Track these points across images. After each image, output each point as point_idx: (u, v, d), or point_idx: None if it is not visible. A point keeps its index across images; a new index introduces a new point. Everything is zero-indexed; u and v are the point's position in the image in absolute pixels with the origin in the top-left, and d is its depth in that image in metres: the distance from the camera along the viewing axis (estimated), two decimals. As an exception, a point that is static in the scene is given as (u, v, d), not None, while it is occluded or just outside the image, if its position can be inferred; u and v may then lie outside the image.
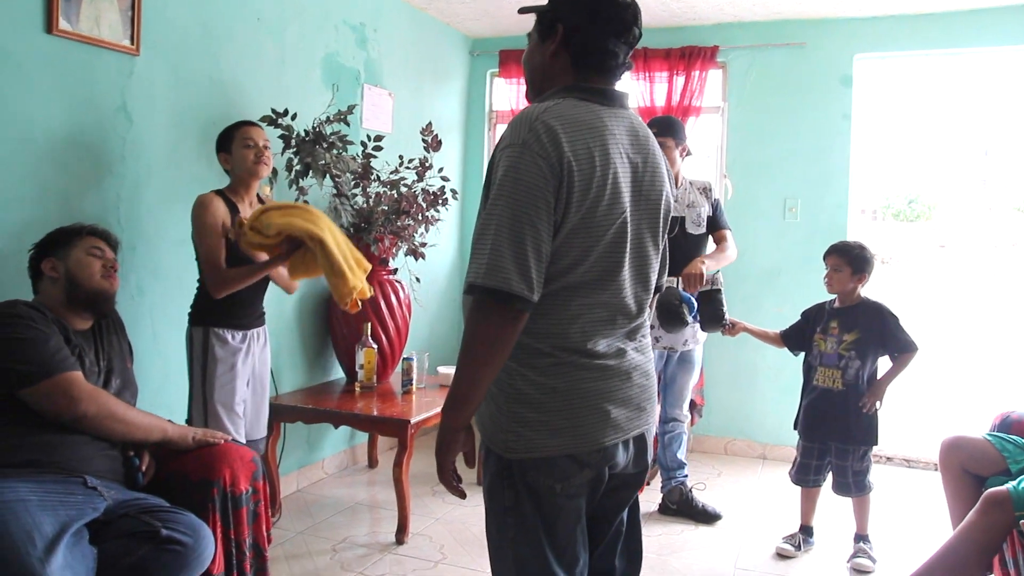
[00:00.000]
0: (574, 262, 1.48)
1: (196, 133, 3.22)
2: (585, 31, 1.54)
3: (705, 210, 3.75)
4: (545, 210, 1.41)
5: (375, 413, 3.46)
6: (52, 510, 1.80)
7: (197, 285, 2.94)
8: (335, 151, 3.50)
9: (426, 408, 3.53)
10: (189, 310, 2.94)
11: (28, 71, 2.57)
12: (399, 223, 3.95)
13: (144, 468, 2.20)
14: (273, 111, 3.41)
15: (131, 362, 2.50)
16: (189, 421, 2.85)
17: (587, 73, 1.56)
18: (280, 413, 3.51)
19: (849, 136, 4.79)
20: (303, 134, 3.48)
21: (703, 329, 3.53)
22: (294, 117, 3.48)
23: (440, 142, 4.09)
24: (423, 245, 4.08)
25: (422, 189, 4.05)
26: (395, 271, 4.11)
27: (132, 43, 2.89)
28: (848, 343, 3.27)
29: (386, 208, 3.92)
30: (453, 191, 4.13)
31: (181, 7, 3.12)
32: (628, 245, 1.55)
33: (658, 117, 3.80)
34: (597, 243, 1.49)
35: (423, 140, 4.06)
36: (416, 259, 4.06)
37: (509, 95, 5.34)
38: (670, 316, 3.29)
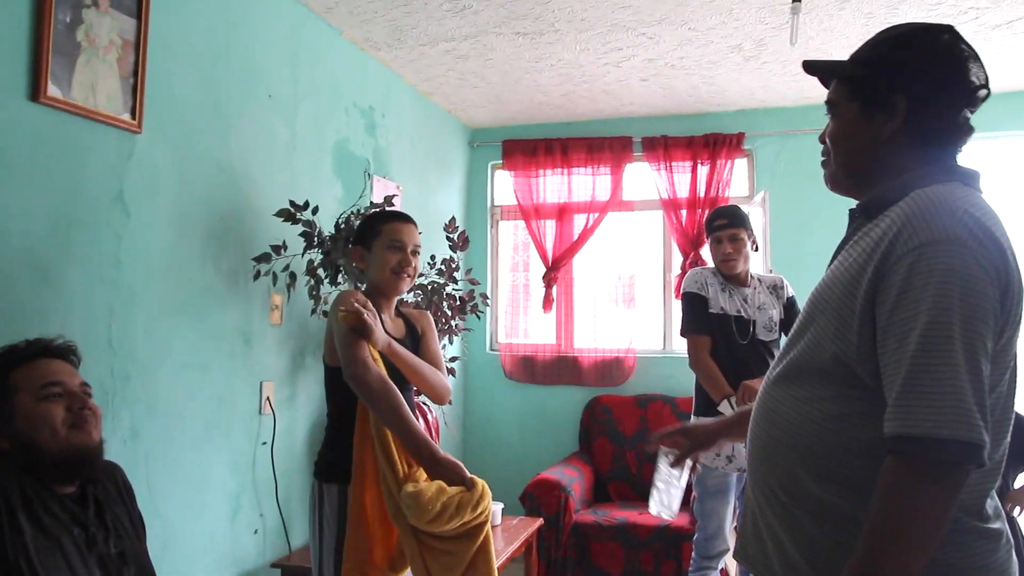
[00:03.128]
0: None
1: (201, 230, 2.59)
2: (936, 103, 1.24)
3: (776, 312, 3.21)
4: (993, 330, 1.09)
5: None
6: None
7: (328, 426, 2.26)
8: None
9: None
10: (319, 459, 2.23)
11: (5, 148, 1.93)
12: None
13: None
14: (292, 203, 2.81)
15: (144, 539, 1.80)
16: None
17: (937, 153, 1.26)
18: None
19: (889, 225, 4.44)
20: (335, 230, 2.87)
21: None
22: (315, 211, 2.89)
23: (467, 239, 3.55)
24: (453, 359, 3.46)
25: (447, 295, 3.47)
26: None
27: (134, 117, 2.28)
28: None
29: (412, 316, 3.32)
30: (484, 296, 3.56)
31: (189, 77, 2.54)
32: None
33: (724, 207, 3.31)
34: (1004, 374, 1.15)
35: (447, 238, 3.51)
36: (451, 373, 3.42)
37: (518, 189, 4.86)
38: None
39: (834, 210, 4.38)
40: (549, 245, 4.80)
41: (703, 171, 4.63)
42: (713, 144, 4.61)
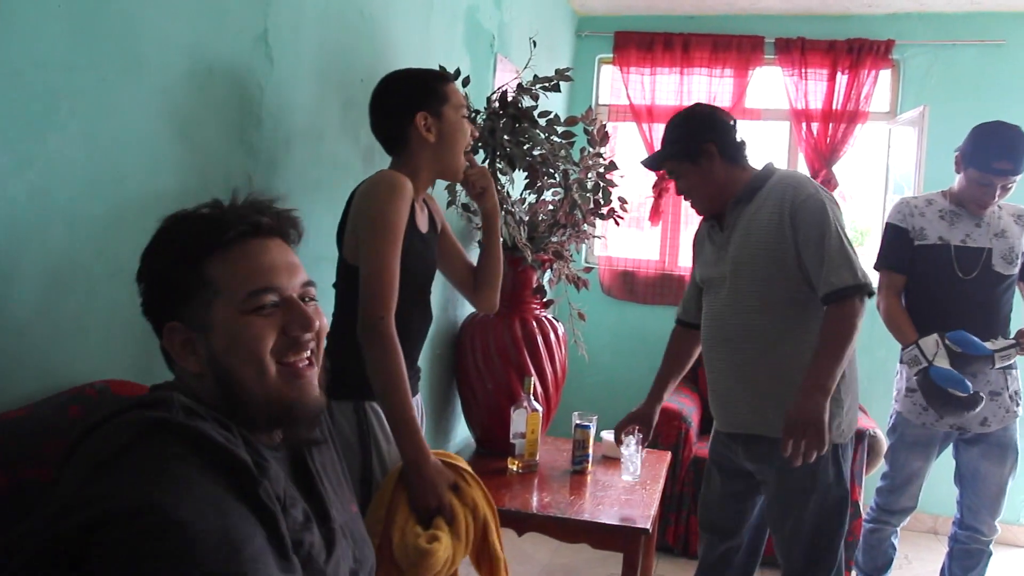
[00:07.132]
0: None
1: (340, 93, 2.14)
2: (730, 136, 2.09)
3: (1020, 242, 2.70)
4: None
5: (594, 518, 2.32)
6: None
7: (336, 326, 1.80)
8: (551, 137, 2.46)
9: (647, 504, 2.43)
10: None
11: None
12: (554, 238, 2.93)
13: None
14: (442, 70, 2.34)
15: (355, 502, 1.33)
16: None
17: (743, 162, 2.12)
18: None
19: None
20: (487, 105, 2.41)
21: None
22: (466, 82, 2.42)
23: (607, 134, 3.08)
24: (587, 270, 3.05)
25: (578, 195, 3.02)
26: (549, 304, 3.03)
27: (285, -64, 1.80)
28: None
29: (545, 218, 2.90)
30: (622, 200, 3.10)
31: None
32: None
33: (1014, 143, 2.56)
34: None
35: (585, 131, 3.04)
36: (578, 288, 3.00)
37: (629, 87, 4.35)
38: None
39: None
40: (660, 153, 4.31)
41: (842, 80, 4.12)
42: (857, 51, 4.08)
